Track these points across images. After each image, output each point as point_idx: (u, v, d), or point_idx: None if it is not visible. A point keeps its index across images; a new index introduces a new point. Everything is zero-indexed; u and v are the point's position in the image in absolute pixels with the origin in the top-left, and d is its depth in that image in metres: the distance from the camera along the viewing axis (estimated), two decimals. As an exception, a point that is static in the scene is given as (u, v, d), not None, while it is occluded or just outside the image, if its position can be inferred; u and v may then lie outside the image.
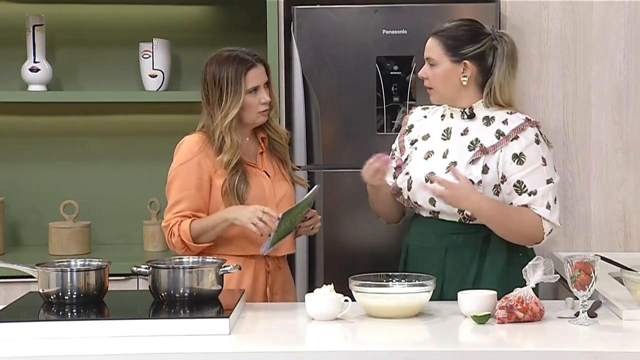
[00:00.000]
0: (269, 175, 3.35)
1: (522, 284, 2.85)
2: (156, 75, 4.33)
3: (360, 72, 4.00)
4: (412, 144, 3.32)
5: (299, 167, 3.72)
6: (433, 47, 3.21)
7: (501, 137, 3.16)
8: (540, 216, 3.13)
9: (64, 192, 4.44)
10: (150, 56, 4.32)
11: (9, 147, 4.50)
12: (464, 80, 3.19)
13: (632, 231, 4.04)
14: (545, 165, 3.16)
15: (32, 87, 4.31)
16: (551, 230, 3.15)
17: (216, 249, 3.26)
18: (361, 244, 3.98)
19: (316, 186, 3.27)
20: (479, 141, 3.17)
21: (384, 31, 4.00)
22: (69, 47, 4.50)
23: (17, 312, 2.84)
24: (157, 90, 4.33)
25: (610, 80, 4.02)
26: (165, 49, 4.33)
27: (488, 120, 3.20)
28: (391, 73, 4.00)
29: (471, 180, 3.12)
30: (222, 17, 4.50)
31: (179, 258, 3.06)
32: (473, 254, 3.18)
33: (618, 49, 4.01)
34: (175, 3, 4.48)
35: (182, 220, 3.23)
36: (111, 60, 4.49)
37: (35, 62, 4.29)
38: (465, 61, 3.18)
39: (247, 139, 3.37)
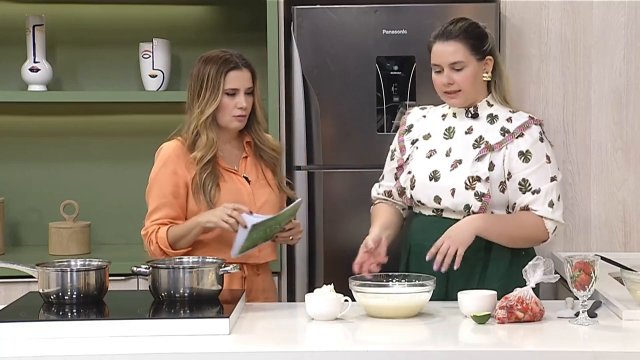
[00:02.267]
0: (249, 181, 3.32)
1: (525, 283, 2.85)
2: (156, 75, 4.32)
3: (360, 72, 4.00)
4: (412, 143, 3.31)
5: (299, 167, 3.69)
6: (458, 51, 3.15)
7: (506, 134, 3.16)
8: (542, 216, 3.13)
9: (64, 192, 4.44)
10: (150, 56, 4.31)
11: (9, 147, 4.50)
12: (486, 77, 3.20)
13: (632, 231, 4.04)
14: (550, 163, 3.17)
15: (32, 87, 4.31)
16: (555, 228, 3.16)
17: (193, 254, 3.23)
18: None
19: (298, 199, 3.22)
20: (484, 138, 3.17)
21: (384, 31, 4.00)
22: (69, 47, 4.50)
23: (17, 312, 2.84)
24: (157, 90, 4.33)
25: (610, 80, 4.02)
26: (165, 49, 4.33)
27: (492, 119, 3.20)
28: (391, 73, 4.00)
29: (478, 176, 3.12)
30: (222, 17, 4.49)
31: (179, 258, 3.06)
32: (477, 254, 3.16)
33: (618, 49, 4.01)
34: (175, 3, 4.48)
35: (159, 228, 3.25)
36: (111, 60, 4.49)
37: (35, 62, 4.29)
38: (489, 57, 3.19)
39: (230, 144, 3.35)
